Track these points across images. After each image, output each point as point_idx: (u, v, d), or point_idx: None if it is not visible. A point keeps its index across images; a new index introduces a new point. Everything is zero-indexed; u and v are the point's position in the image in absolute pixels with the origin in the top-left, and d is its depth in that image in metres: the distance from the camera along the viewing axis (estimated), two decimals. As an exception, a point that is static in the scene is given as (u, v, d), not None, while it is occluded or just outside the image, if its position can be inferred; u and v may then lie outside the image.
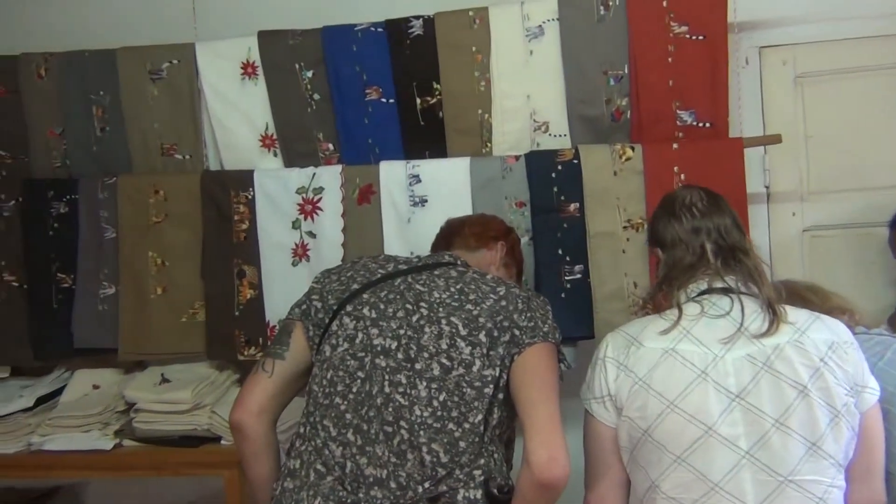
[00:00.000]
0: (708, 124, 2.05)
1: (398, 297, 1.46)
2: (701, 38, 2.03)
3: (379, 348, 1.41)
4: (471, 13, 2.11)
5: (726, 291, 1.40)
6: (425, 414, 1.35)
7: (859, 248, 2.26)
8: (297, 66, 2.18)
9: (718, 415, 1.31)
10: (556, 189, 2.07)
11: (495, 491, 1.35)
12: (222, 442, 2.10)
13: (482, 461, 1.36)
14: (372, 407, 1.37)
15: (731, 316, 1.37)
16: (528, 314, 1.42)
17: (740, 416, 1.31)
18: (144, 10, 2.44)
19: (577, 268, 2.07)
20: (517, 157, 2.10)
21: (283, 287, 2.17)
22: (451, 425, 1.35)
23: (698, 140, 2.05)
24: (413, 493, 1.32)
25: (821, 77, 2.27)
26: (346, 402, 1.39)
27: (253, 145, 2.25)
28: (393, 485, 1.33)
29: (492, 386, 1.37)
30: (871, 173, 2.25)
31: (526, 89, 2.11)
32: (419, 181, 2.12)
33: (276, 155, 2.25)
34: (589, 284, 2.06)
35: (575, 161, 2.06)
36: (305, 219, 2.18)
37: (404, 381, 1.37)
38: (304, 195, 2.18)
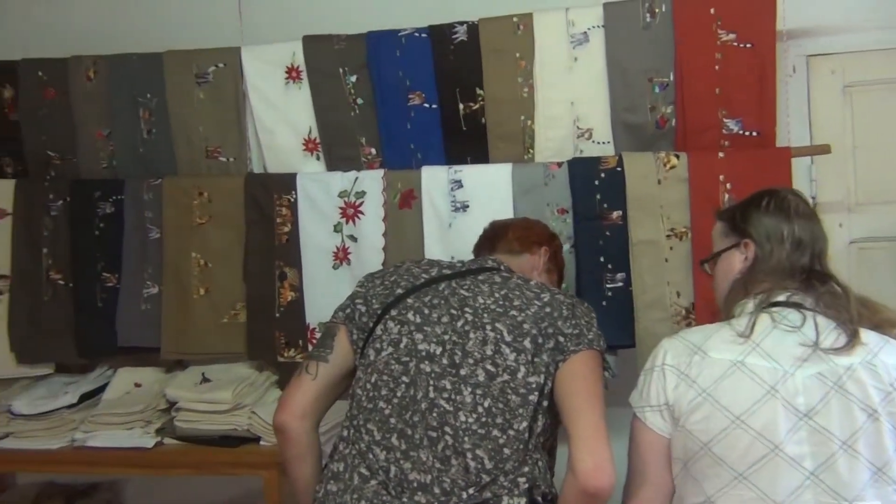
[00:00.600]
0: (755, 133, 2.02)
1: (442, 301, 1.46)
2: (749, 45, 2.00)
3: (423, 353, 1.41)
4: (515, 19, 2.10)
5: (799, 306, 1.36)
6: (470, 420, 1.35)
7: (908, 260, 2.22)
8: (341, 70, 2.20)
9: (785, 433, 1.27)
10: (598, 196, 2.06)
11: (539, 499, 1.35)
12: (261, 443, 2.11)
13: (526, 468, 1.35)
14: (416, 412, 1.37)
15: (802, 331, 1.32)
16: (573, 321, 1.42)
17: (807, 435, 1.27)
18: (191, 15, 2.48)
19: (619, 276, 2.06)
20: (560, 164, 2.09)
21: (323, 290, 2.18)
22: (495, 432, 1.34)
23: (745, 149, 2.02)
24: (457, 499, 1.32)
25: (870, 87, 2.24)
26: (390, 407, 1.40)
27: (296, 149, 2.27)
28: (437, 490, 1.33)
29: (536, 393, 1.36)
30: (920, 185, 2.21)
31: (569, 96, 2.10)
32: (461, 186, 2.12)
33: (318, 159, 2.27)
34: (630, 293, 2.04)
35: (618, 168, 2.04)
36: (347, 222, 2.20)
37: (449, 386, 1.37)
38: (345, 199, 2.19)
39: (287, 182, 2.23)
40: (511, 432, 1.34)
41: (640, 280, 2.04)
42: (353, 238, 2.19)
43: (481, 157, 2.17)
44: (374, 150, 2.23)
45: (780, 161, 2.00)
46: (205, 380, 2.25)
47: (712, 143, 2.04)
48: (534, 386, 1.36)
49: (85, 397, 2.29)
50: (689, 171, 2.01)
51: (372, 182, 2.18)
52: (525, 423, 1.35)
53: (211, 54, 2.27)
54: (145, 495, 2.65)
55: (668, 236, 2.03)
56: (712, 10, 2.00)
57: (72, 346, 2.32)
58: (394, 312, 1.47)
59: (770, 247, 1.43)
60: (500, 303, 1.44)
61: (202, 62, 2.27)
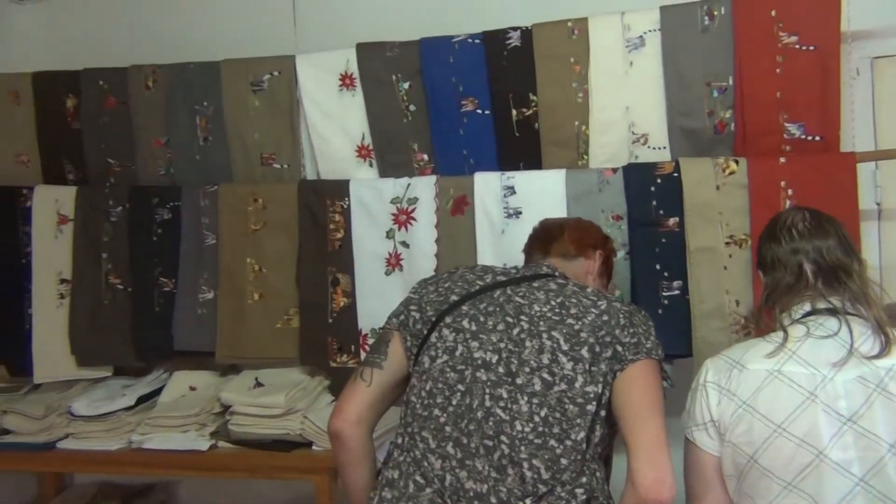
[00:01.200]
0: (818, 138, 1.97)
1: (498, 309, 1.44)
2: (812, 48, 1.95)
3: (479, 361, 1.40)
4: (570, 24, 2.08)
5: (832, 312, 1.36)
6: (526, 429, 1.33)
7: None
8: (394, 77, 2.21)
9: (829, 439, 1.26)
10: (654, 203, 2.02)
11: None
12: (314, 447, 2.12)
13: (584, 479, 1.33)
14: (472, 420, 1.36)
15: (838, 337, 1.32)
16: (631, 330, 1.39)
17: (852, 440, 1.26)
18: (247, 24, 2.51)
19: (676, 284, 2.02)
20: (614, 170, 2.07)
21: (375, 296, 2.19)
22: (552, 441, 1.33)
23: (807, 154, 1.97)
24: None
25: (937, 89, 2.16)
26: (445, 415, 1.39)
27: (349, 155, 2.28)
28: (493, 500, 1.32)
29: (594, 403, 1.34)
30: None
31: (625, 101, 2.08)
32: (514, 193, 2.11)
33: (371, 165, 2.28)
34: (687, 301, 2.00)
35: (675, 174, 2.01)
36: (399, 229, 2.20)
37: (505, 395, 1.36)
38: (398, 205, 2.20)
39: (340, 188, 2.24)
40: (568, 442, 1.33)
41: (697, 288, 1.99)
42: (405, 244, 2.20)
43: (534, 163, 2.15)
44: (426, 157, 2.23)
45: (845, 166, 1.94)
46: (258, 384, 2.27)
47: (773, 148, 1.99)
48: (591, 395, 1.34)
49: (142, 400, 2.33)
50: (749, 176, 1.96)
51: (424, 188, 2.19)
52: (583, 434, 1.33)
53: (266, 62, 2.30)
54: (198, 497, 2.69)
55: (727, 243, 1.99)
56: (773, 12, 1.96)
57: (130, 349, 2.37)
58: (448, 320, 1.46)
59: (773, 268, 1.46)
60: (557, 311, 1.42)
61: (258, 70, 2.31)
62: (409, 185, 2.20)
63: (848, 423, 1.26)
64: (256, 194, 2.29)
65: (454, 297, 1.48)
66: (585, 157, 2.12)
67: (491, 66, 2.14)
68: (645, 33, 2.05)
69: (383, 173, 2.27)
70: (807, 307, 1.39)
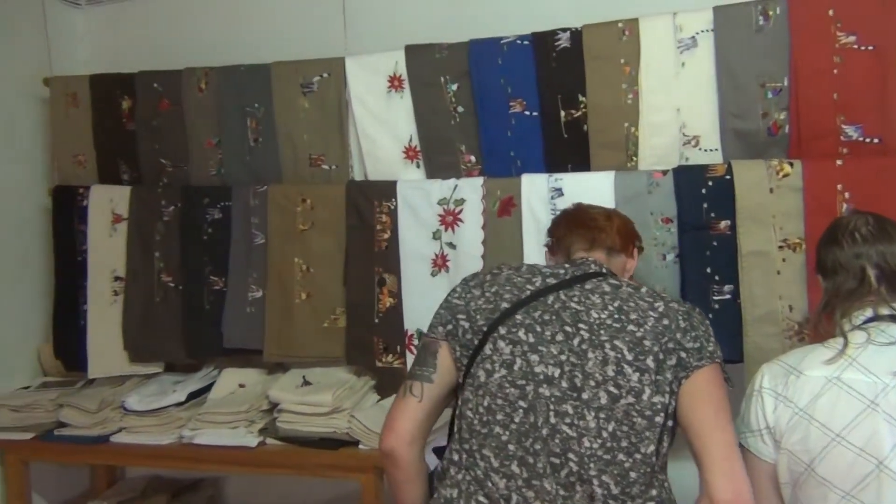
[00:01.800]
0: (876, 140, 1.92)
1: (554, 317, 1.37)
2: (870, 48, 1.90)
3: (542, 376, 1.33)
4: (620, 25, 2.06)
5: (895, 319, 1.32)
6: (594, 445, 1.29)
7: None
8: (442, 79, 2.21)
9: (890, 448, 1.23)
10: (705, 205, 1.99)
11: None
12: (360, 446, 2.13)
13: (654, 492, 1.30)
14: (538, 439, 1.31)
15: None
16: (693, 333, 1.34)
17: None
18: (298, 26, 2.54)
19: (727, 288, 1.99)
20: (665, 172, 2.04)
21: (422, 296, 2.20)
22: (621, 456, 1.28)
23: (865, 157, 1.92)
24: None
25: None
26: (507, 433, 1.33)
27: (397, 157, 2.30)
28: None
29: (662, 414, 1.30)
30: None
31: (676, 102, 2.05)
32: (561, 195, 2.10)
33: (418, 166, 2.29)
34: (739, 306, 1.97)
35: (727, 177, 1.98)
36: (446, 230, 2.21)
37: (571, 411, 1.31)
38: (445, 206, 2.21)
39: (387, 189, 2.26)
40: (637, 456, 1.29)
41: (749, 293, 1.96)
42: (451, 245, 2.20)
43: (582, 164, 2.14)
44: (473, 158, 2.23)
45: (904, 169, 1.89)
46: (305, 382, 2.30)
47: (829, 150, 1.95)
48: (659, 407, 1.30)
49: (192, 396, 2.38)
50: (804, 179, 1.93)
51: (471, 190, 2.19)
52: (652, 447, 1.29)
53: (316, 64, 2.33)
54: (245, 493, 2.73)
55: (780, 247, 1.95)
56: (831, 12, 1.92)
57: (180, 346, 2.43)
58: (503, 331, 1.38)
59: (833, 273, 1.42)
60: (616, 316, 1.35)
61: (307, 72, 2.33)
62: (456, 186, 2.20)
63: None
64: (305, 195, 2.32)
65: (505, 305, 1.40)
66: (635, 158, 2.10)
67: (540, 68, 2.13)
68: (697, 34, 2.02)
69: (430, 174, 2.27)
70: (868, 313, 1.35)
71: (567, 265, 1.49)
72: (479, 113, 2.19)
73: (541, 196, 2.12)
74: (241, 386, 2.41)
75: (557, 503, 1.29)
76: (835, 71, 1.93)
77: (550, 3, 2.29)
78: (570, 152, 2.14)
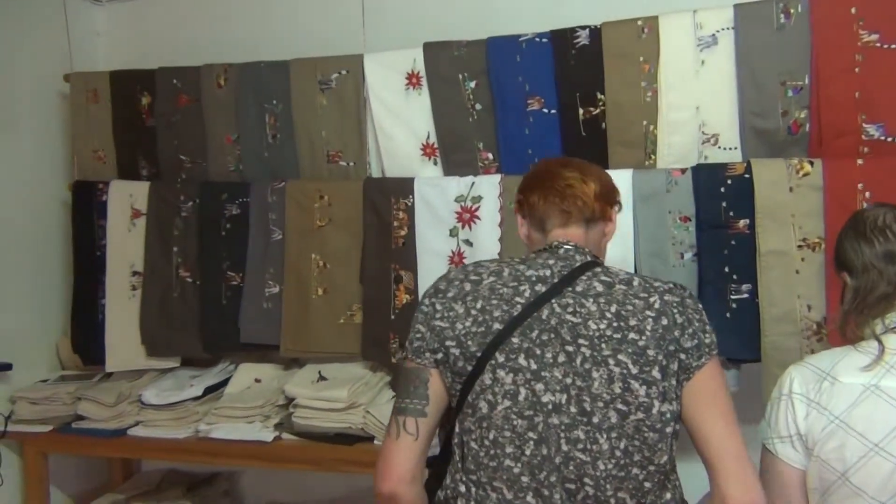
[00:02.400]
0: (898, 139, 1.91)
1: (553, 335, 1.28)
2: (893, 46, 1.88)
3: (550, 406, 1.27)
4: (640, 22, 2.05)
5: None
6: (609, 466, 1.25)
7: None
8: (460, 76, 2.21)
9: None
10: (724, 204, 1.99)
11: None
12: (375, 442, 2.14)
13: (668, 495, 1.29)
14: (553, 471, 1.26)
15: None
16: (689, 329, 1.29)
17: None
18: (316, 23, 2.55)
19: (745, 287, 1.98)
20: (683, 171, 2.03)
21: (438, 294, 2.19)
22: (635, 470, 1.26)
23: (887, 156, 1.90)
24: None
25: None
26: (519, 465, 1.28)
27: (414, 154, 2.30)
28: None
29: (672, 423, 1.27)
30: None
31: (695, 100, 2.04)
32: (579, 192, 2.09)
33: (436, 164, 2.29)
34: (757, 305, 1.96)
35: (746, 175, 1.97)
36: (463, 227, 2.21)
37: (583, 436, 1.26)
38: (462, 203, 2.21)
39: (405, 186, 2.26)
40: (651, 468, 1.27)
41: (767, 292, 1.95)
42: (468, 242, 2.20)
43: (600, 162, 2.10)
44: (490, 156, 2.23)
45: (927, 169, 1.88)
46: (321, 378, 2.31)
47: (850, 149, 1.93)
48: (669, 416, 1.27)
49: (209, 390, 2.40)
50: (825, 178, 1.91)
51: (489, 187, 2.19)
52: (666, 457, 1.27)
53: (334, 61, 2.33)
54: (260, 487, 2.74)
55: (799, 247, 1.94)
56: (853, 10, 1.90)
57: (197, 341, 2.44)
58: (501, 358, 1.29)
59: (863, 272, 1.37)
60: (615, 325, 1.28)
61: (326, 69, 2.33)
62: (473, 183, 2.20)
63: None
64: (322, 191, 2.32)
65: (497, 326, 1.29)
66: (653, 156, 2.09)
67: (558, 65, 2.13)
68: (717, 31, 2.01)
69: (448, 172, 2.27)
70: None
71: (549, 258, 1.37)
72: (496, 110, 2.19)
73: (558, 194, 2.11)
74: (258, 381, 2.42)
75: None
76: (857, 69, 1.91)
77: (570, 1, 2.28)
78: (589, 150, 2.11)
